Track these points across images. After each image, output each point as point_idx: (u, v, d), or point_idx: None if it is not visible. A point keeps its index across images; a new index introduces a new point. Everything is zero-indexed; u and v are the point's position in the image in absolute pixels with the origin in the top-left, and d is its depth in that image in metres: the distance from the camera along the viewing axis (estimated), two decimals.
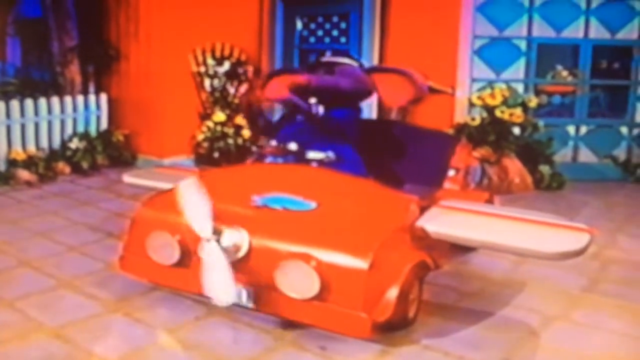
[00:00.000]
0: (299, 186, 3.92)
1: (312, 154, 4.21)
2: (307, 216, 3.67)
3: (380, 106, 5.33)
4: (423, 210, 3.97)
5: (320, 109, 4.40)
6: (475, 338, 3.67)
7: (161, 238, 3.72)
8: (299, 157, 4.27)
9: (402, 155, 4.85)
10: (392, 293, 3.39)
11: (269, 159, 4.47)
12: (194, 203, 3.47)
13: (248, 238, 3.52)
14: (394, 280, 3.43)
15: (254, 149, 4.74)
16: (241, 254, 3.49)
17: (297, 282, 3.32)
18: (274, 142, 4.43)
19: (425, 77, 4.69)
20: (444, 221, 3.86)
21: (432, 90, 5.01)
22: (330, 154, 4.18)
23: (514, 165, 7.05)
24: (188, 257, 3.65)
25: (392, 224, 3.68)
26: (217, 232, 3.42)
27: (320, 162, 4.21)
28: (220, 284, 3.35)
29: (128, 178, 5.07)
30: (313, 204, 3.73)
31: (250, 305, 3.55)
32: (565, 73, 8.08)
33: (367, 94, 4.65)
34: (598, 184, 7.49)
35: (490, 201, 4.94)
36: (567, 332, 3.81)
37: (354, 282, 3.29)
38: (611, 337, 3.77)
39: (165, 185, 4.47)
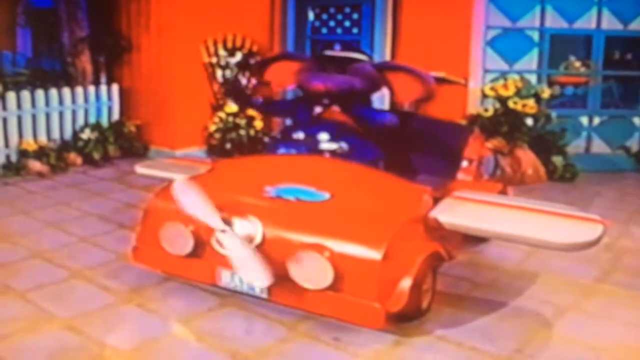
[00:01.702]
0: (312, 177, 3.92)
1: (325, 145, 4.23)
2: (321, 207, 3.67)
3: (393, 99, 5.25)
4: (436, 201, 3.96)
5: (335, 108, 4.44)
6: (488, 329, 3.66)
7: (174, 229, 3.74)
8: (312, 148, 4.27)
9: (416, 146, 4.84)
10: (406, 283, 3.40)
11: (281, 150, 4.47)
12: (192, 201, 3.51)
13: (261, 229, 3.53)
14: (407, 271, 3.44)
15: (266, 139, 4.67)
16: (254, 244, 3.50)
17: (310, 273, 3.33)
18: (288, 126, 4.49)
19: (433, 78, 4.64)
20: (458, 212, 3.85)
21: (445, 81, 5.02)
22: (344, 145, 4.21)
23: (526, 157, 7.01)
24: (201, 248, 3.67)
25: (405, 214, 3.67)
26: (227, 223, 3.45)
27: (333, 153, 4.21)
28: (253, 269, 3.41)
29: (140, 169, 5.07)
30: (326, 195, 3.73)
31: (264, 296, 3.57)
32: (578, 64, 8.03)
33: (377, 90, 4.65)
34: (611, 174, 7.45)
35: (504, 192, 4.93)
36: (580, 322, 3.80)
37: (368, 273, 3.30)
38: (624, 327, 3.76)
39: (177, 176, 4.42)
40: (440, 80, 4.78)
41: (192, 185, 3.55)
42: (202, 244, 3.65)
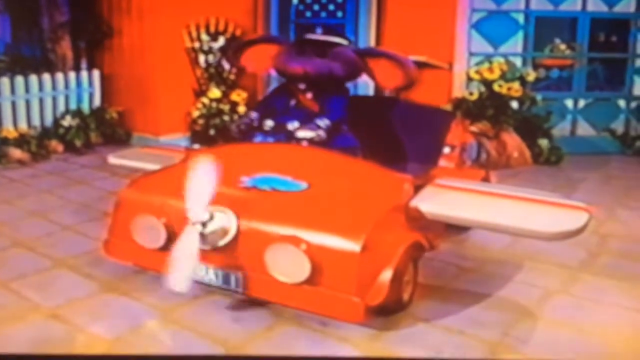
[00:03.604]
0: (288, 166, 3.81)
1: (302, 133, 4.10)
2: (297, 197, 3.58)
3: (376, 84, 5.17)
4: (417, 189, 3.87)
5: (309, 95, 4.33)
6: (475, 314, 3.65)
7: (146, 221, 3.62)
8: (289, 136, 4.15)
9: (395, 133, 4.74)
10: (386, 276, 3.30)
11: (258, 138, 4.33)
12: (200, 184, 3.36)
13: (236, 221, 3.42)
14: (387, 263, 3.34)
15: (233, 127, 4.52)
16: (229, 237, 3.39)
17: (287, 266, 3.23)
18: (254, 114, 4.35)
19: (414, 63, 4.49)
20: (439, 201, 3.77)
21: (427, 65, 4.92)
22: (321, 133, 4.07)
23: (512, 140, 7.00)
24: (174, 241, 3.48)
25: (385, 204, 3.58)
26: (205, 220, 3.32)
27: (311, 141, 4.08)
28: (181, 272, 3.26)
29: (113, 159, 4.93)
30: (303, 185, 3.64)
31: (240, 290, 3.47)
32: (563, 46, 8.03)
33: (356, 76, 4.54)
34: (596, 157, 7.46)
35: (486, 179, 4.83)
36: (568, 306, 3.80)
37: (346, 265, 3.20)
38: (611, 310, 3.77)
39: (152, 166, 4.38)
40: (421, 65, 4.67)
41: (212, 169, 3.38)
42: (175, 237, 3.46)
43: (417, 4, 7.22)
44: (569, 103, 7.86)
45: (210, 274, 3.52)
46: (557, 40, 7.98)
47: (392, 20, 7.44)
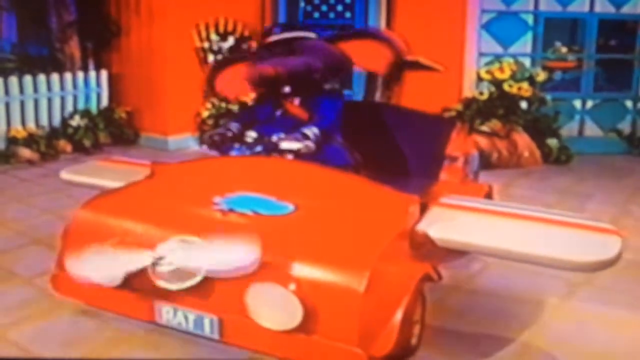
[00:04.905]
0: (271, 184, 3.20)
1: (287, 144, 3.45)
2: (283, 222, 2.95)
3: (367, 81, 4.67)
4: (422, 210, 3.28)
5: (296, 101, 3.75)
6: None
7: (101, 253, 2.90)
8: (271, 148, 3.52)
9: (390, 143, 4.16)
10: (395, 320, 2.72)
11: (234, 151, 3.73)
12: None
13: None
14: (396, 303, 2.75)
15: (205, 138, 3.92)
16: (200, 274, 2.72)
17: (273, 310, 2.62)
18: (233, 124, 3.78)
19: (409, 65, 4.04)
20: (450, 224, 3.19)
21: (420, 67, 4.31)
22: (310, 144, 3.43)
23: (522, 140, 7.03)
24: (135, 277, 2.86)
25: (389, 230, 2.96)
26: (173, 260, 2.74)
27: (297, 154, 3.44)
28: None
29: (66, 175, 4.25)
30: (289, 207, 3.04)
31: (216, 336, 2.85)
32: (564, 49, 8.07)
33: (346, 67, 3.92)
34: (604, 157, 7.47)
35: (489, 194, 4.29)
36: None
37: (346, 308, 2.59)
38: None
39: (111, 184, 3.72)
40: (414, 66, 4.19)
41: None
42: (136, 273, 2.84)
43: (427, 4, 7.25)
44: (577, 104, 7.89)
45: (178, 317, 2.89)
46: (558, 43, 8.03)
47: (401, 21, 7.44)
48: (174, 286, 2.75)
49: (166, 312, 2.90)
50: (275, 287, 2.59)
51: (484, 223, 3.27)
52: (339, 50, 3.84)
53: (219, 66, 4.41)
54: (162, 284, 2.76)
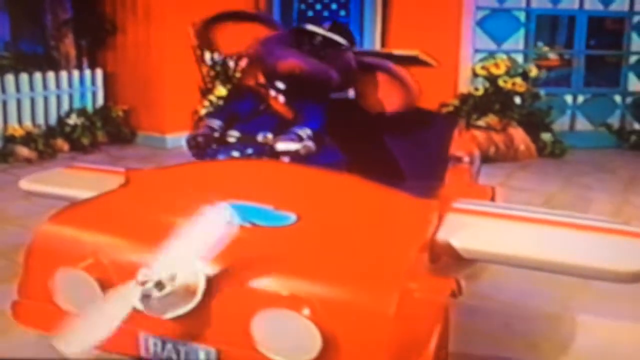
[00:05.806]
0: (266, 190, 2.75)
1: (283, 145, 3.04)
2: (285, 235, 2.45)
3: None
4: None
5: (281, 98, 3.32)
6: None
7: (72, 277, 2.38)
8: (261, 150, 3.10)
9: (388, 143, 3.74)
10: (430, 348, 2.27)
11: (221, 154, 3.21)
12: (196, 238, 2.20)
13: (204, 275, 2.21)
14: (428, 327, 2.31)
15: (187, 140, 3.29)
16: (197, 299, 2.21)
17: (285, 340, 2.15)
18: (216, 122, 3.28)
19: (406, 59, 3.64)
20: (474, 233, 2.75)
21: (417, 62, 3.85)
22: (310, 144, 3.06)
23: (518, 134, 7.20)
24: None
25: (412, 241, 2.49)
26: (162, 280, 2.11)
27: (294, 156, 3.04)
28: (86, 330, 2.24)
29: (26, 184, 3.57)
30: (291, 216, 2.55)
31: None
32: (546, 48, 8.28)
33: (346, 88, 3.55)
34: (595, 150, 7.66)
35: (493, 197, 3.91)
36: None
37: (374, 335, 2.12)
38: None
39: (79, 193, 3.11)
40: (412, 60, 3.81)
41: (223, 224, 2.21)
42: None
43: (423, 1, 7.36)
44: (569, 99, 8.09)
45: (167, 350, 2.40)
46: (540, 44, 8.20)
47: (397, 19, 7.54)
48: (163, 315, 2.23)
49: (153, 345, 2.40)
50: (286, 313, 2.12)
51: (510, 230, 2.85)
52: (356, 75, 3.45)
53: (223, 17, 3.77)
54: (149, 312, 2.21)
